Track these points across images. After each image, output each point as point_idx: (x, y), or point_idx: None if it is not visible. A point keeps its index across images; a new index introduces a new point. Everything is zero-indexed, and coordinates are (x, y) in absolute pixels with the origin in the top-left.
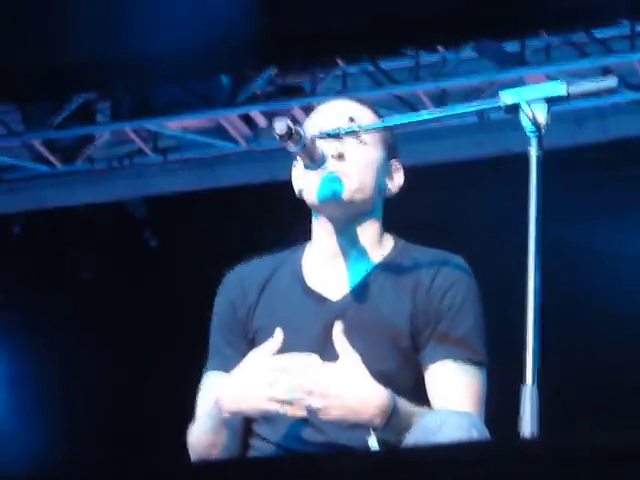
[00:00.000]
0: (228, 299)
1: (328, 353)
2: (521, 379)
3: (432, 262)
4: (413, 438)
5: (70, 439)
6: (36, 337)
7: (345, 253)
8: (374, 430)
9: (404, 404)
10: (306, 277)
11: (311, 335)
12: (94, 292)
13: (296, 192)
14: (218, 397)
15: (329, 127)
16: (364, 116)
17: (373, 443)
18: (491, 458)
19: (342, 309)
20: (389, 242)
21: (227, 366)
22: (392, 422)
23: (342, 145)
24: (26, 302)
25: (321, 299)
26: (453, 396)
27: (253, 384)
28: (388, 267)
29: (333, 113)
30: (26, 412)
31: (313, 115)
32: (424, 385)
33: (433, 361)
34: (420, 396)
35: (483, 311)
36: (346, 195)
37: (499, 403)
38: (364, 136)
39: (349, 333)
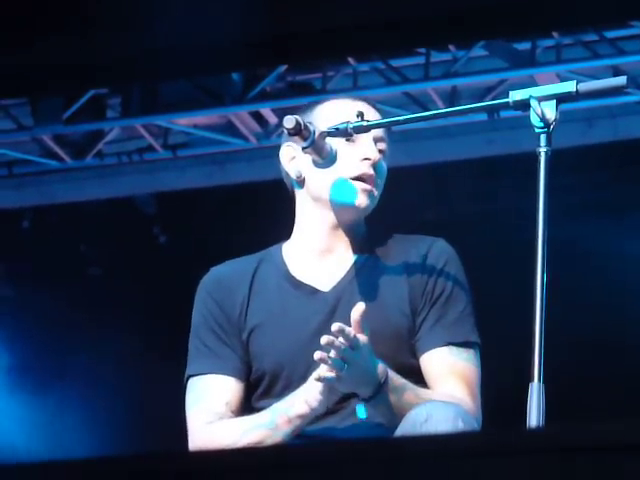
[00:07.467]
0: (214, 300)
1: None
2: (522, 376)
3: (418, 246)
4: (400, 431)
5: (75, 430)
6: (44, 331)
7: (335, 247)
8: (364, 400)
9: (396, 377)
10: (293, 271)
11: (309, 327)
12: (102, 287)
13: (292, 174)
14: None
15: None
16: (374, 117)
17: (361, 413)
18: (480, 449)
19: (335, 298)
20: (367, 232)
21: (226, 368)
22: (381, 393)
23: (374, 154)
24: (34, 297)
25: (313, 291)
26: (450, 380)
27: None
28: (373, 255)
29: (348, 112)
30: (28, 404)
31: (322, 110)
32: (419, 368)
33: (428, 346)
34: (418, 380)
35: (471, 291)
36: (372, 207)
37: (499, 399)
38: (386, 149)
39: (344, 321)
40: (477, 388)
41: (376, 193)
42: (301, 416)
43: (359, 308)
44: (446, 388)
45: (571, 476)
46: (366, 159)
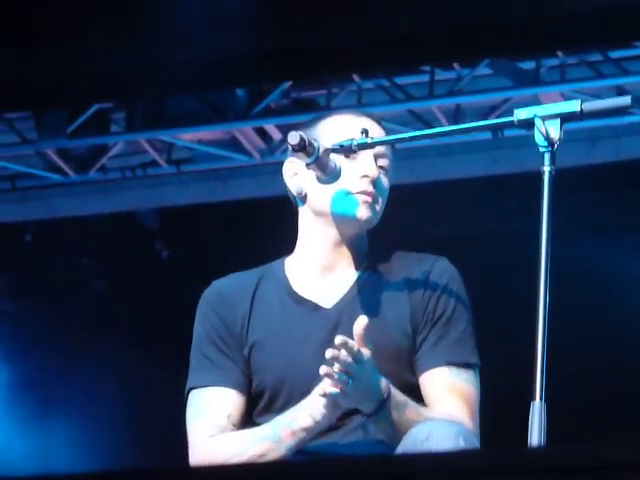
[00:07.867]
0: (216, 313)
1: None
2: (524, 394)
3: (420, 264)
4: (402, 449)
5: (76, 444)
6: (45, 345)
7: (338, 263)
8: (366, 416)
9: (398, 394)
10: (295, 287)
11: (311, 344)
12: (104, 302)
13: (293, 190)
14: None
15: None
16: (378, 133)
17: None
18: (481, 468)
19: (337, 315)
20: (370, 249)
21: (227, 380)
22: (383, 409)
23: (373, 171)
24: (36, 310)
25: (315, 307)
26: (449, 400)
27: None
28: (376, 272)
29: (352, 128)
30: (30, 418)
31: (326, 126)
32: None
33: (428, 366)
34: (419, 398)
35: (472, 311)
36: (374, 221)
37: (500, 418)
38: (387, 166)
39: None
40: (476, 409)
41: (378, 207)
42: (305, 429)
43: (362, 322)
44: (445, 407)
45: None
46: (365, 176)
